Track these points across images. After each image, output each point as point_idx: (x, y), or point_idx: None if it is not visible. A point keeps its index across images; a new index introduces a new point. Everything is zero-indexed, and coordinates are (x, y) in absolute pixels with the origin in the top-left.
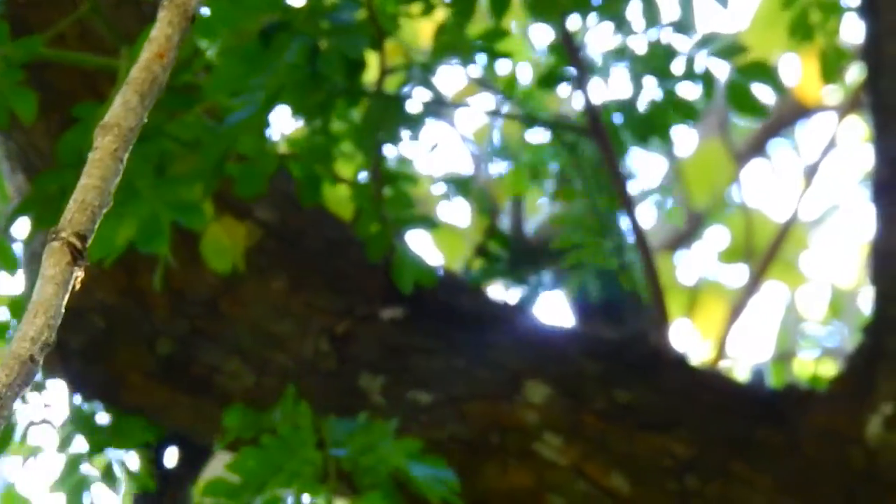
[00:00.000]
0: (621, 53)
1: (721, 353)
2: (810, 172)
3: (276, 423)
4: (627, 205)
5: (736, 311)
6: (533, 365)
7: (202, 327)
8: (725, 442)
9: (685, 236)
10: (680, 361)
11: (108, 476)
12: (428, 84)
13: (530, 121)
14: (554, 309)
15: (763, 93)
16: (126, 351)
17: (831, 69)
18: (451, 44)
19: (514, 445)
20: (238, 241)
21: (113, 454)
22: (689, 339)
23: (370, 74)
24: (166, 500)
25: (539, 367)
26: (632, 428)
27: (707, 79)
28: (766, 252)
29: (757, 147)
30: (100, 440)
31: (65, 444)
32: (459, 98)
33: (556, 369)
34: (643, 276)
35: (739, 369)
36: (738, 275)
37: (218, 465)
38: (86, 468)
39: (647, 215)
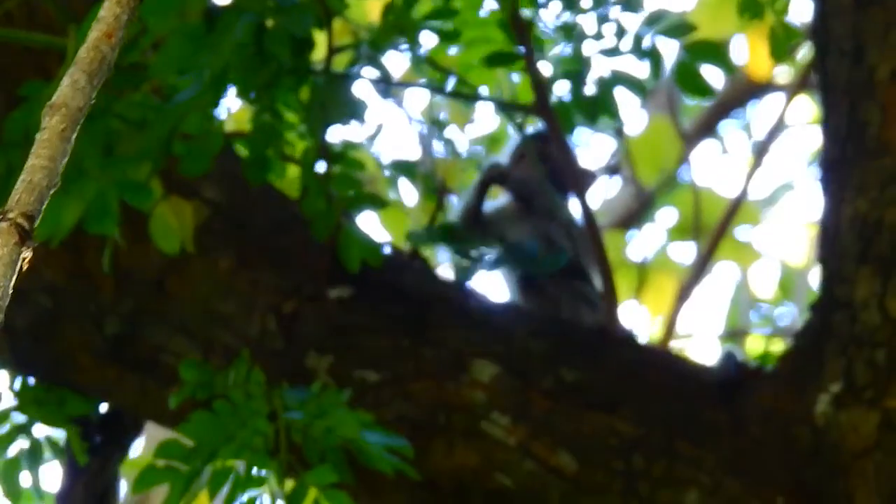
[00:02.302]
0: (569, 31)
1: (670, 332)
2: (760, 151)
3: (229, 387)
4: (576, 183)
5: (685, 289)
6: (480, 344)
7: (149, 307)
8: (671, 421)
9: (635, 214)
10: (627, 340)
11: (37, 451)
12: (376, 63)
13: (477, 99)
14: (492, 285)
15: (711, 73)
16: (73, 330)
17: (781, 48)
18: (398, 23)
19: (461, 425)
20: (186, 221)
21: (44, 430)
22: (639, 317)
23: (319, 54)
24: (95, 474)
25: (486, 346)
26: (578, 407)
27: (654, 56)
28: (716, 229)
29: (707, 126)
30: (34, 415)
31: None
32: (408, 78)
33: (502, 348)
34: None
35: (697, 348)
36: (687, 252)
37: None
38: (20, 444)
39: (596, 193)
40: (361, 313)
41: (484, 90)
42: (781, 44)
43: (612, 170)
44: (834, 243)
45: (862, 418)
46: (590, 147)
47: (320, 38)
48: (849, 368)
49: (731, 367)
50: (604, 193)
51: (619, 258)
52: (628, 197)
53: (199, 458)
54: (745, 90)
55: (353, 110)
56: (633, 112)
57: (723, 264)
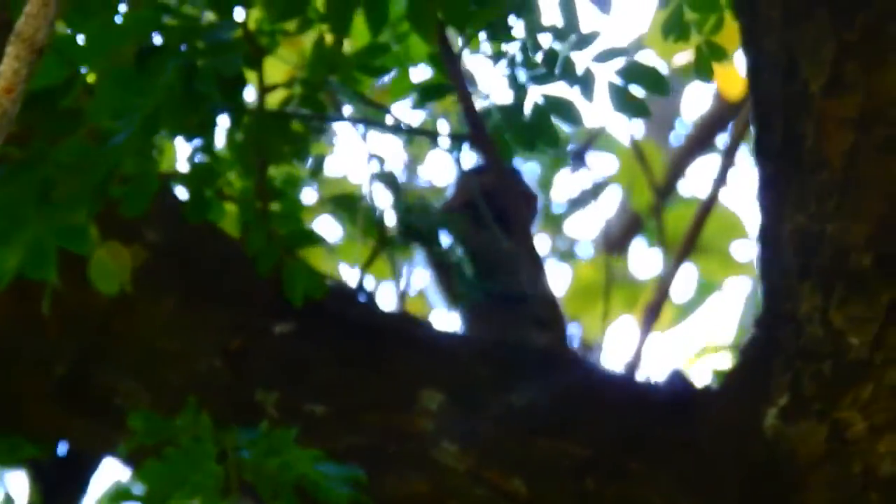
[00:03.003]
0: (500, 58)
1: (639, 350)
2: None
3: (178, 433)
4: (516, 211)
5: (653, 305)
6: (426, 373)
7: (96, 348)
8: (623, 441)
9: (630, 233)
10: (577, 362)
11: None
12: (312, 101)
13: (412, 132)
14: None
15: (641, 93)
16: (21, 375)
17: (707, 67)
18: (329, 61)
19: (411, 453)
20: (124, 264)
21: None
22: (630, 335)
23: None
24: None
25: (433, 374)
26: (528, 431)
27: (587, 81)
28: (684, 239)
29: (700, 143)
30: None
31: None
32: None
33: (449, 376)
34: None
35: (654, 368)
36: (686, 271)
37: None
38: None
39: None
40: (308, 347)
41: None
42: (707, 62)
43: (578, 156)
44: (775, 260)
45: (811, 431)
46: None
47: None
48: (795, 382)
49: (678, 385)
50: (601, 214)
51: (615, 278)
52: (623, 216)
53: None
54: (727, 108)
55: (290, 147)
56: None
57: (734, 280)
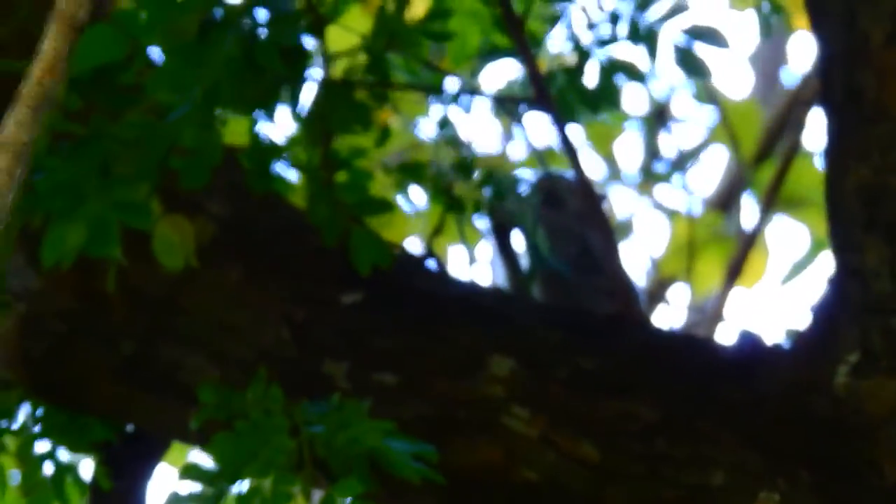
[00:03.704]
0: (562, 20)
1: (720, 309)
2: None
3: (249, 406)
4: (579, 172)
5: (735, 263)
6: (494, 339)
7: (162, 324)
8: (691, 402)
9: (735, 190)
10: (643, 325)
11: (62, 478)
12: (376, 68)
13: (474, 94)
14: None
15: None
16: (89, 353)
17: (766, 25)
18: (392, 29)
19: (481, 420)
20: (187, 238)
21: (69, 455)
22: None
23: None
24: (121, 498)
25: (501, 340)
26: (597, 394)
27: (651, 41)
28: (768, 192)
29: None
30: (58, 440)
31: (25, 448)
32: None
33: (517, 342)
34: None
35: (730, 329)
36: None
37: None
38: (47, 469)
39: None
40: (375, 316)
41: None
42: (766, 20)
43: (660, 115)
44: (841, 213)
45: (880, 386)
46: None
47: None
48: (864, 338)
49: (747, 344)
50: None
51: (720, 234)
52: (729, 173)
53: (224, 480)
54: None
55: (355, 117)
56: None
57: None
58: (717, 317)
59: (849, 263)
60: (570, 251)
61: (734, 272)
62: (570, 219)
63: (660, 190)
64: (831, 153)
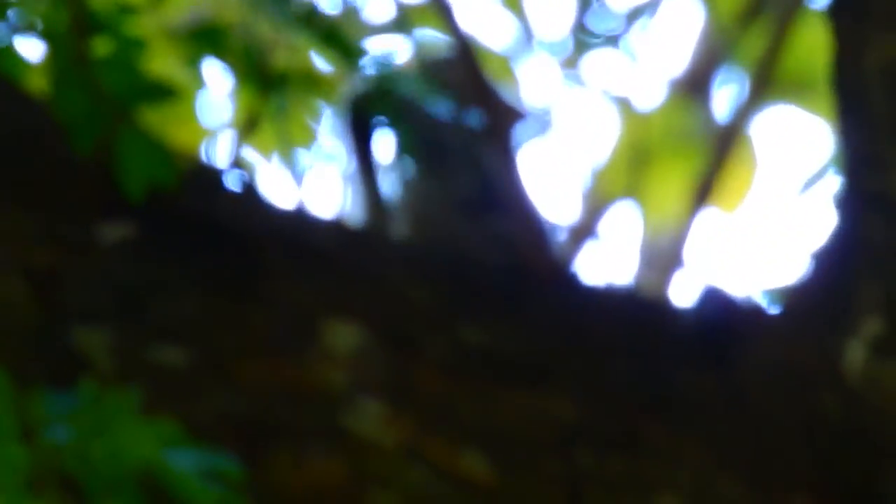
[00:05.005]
0: None
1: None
2: None
3: None
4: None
5: (707, 171)
6: (335, 297)
7: None
8: (632, 394)
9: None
10: (561, 279)
11: None
12: None
13: None
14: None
15: None
16: None
17: None
18: None
19: (314, 421)
20: None
21: None
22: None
23: None
24: None
25: (344, 299)
26: (489, 383)
27: None
28: (758, 67)
29: None
30: None
31: None
32: None
33: (369, 301)
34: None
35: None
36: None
37: None
38: None
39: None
40: (154, 263)
41: None
42: None
43: None
44: (855, 106)
45: None
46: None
47: None
48: (890, 298)
49: (715, 310)
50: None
51: (681, 136)
52: (701, 42)
53: None
54: None
55: None
56: None
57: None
58: (673, 261)
59: (867, 184)
60: (454, 171)
61: (704, 190)
62: (457, 136)
63: (596, 66)
64: (842, 20)
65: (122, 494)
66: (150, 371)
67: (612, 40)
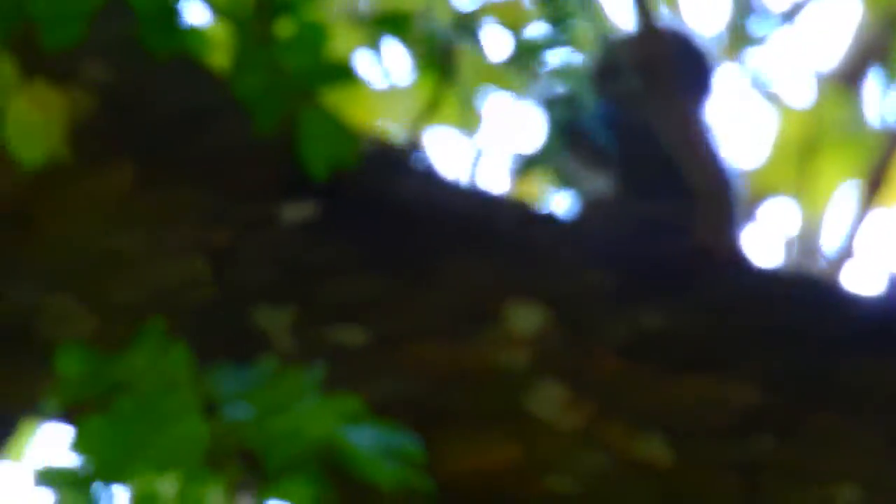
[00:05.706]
0: None
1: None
2: None
3: (136, 375)
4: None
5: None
6: (516, 280)
7: (8, 251)
8: (810, 383)
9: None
10: (741, 266)
11: None
12: None
13: None
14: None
15: None
16: None
17: None
18: None
19: (491, 404)
20: (56, 116)
21: None
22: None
23: None
24: None
25: (525, 282)
26: (669, 369)
27: None
28: None
29: None
30: None
31: None
32: None
33: (551, 285)
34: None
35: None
36: None
37: None
38: None
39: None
40: (333, 243)
41: None
42: None
43: None
44: None
45: None
46: None
47: None
48: None
49: None
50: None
51: (845, 131)
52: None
53: (102, 479)
54: None
55: None
56: None
57: None
58: (846, 253)
59: None
60: (636, 154)
61: (874, 185)
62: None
63: (755, 59)
64: None
65: (302, 471)
66: (328, 350)
67: (767, 38)
